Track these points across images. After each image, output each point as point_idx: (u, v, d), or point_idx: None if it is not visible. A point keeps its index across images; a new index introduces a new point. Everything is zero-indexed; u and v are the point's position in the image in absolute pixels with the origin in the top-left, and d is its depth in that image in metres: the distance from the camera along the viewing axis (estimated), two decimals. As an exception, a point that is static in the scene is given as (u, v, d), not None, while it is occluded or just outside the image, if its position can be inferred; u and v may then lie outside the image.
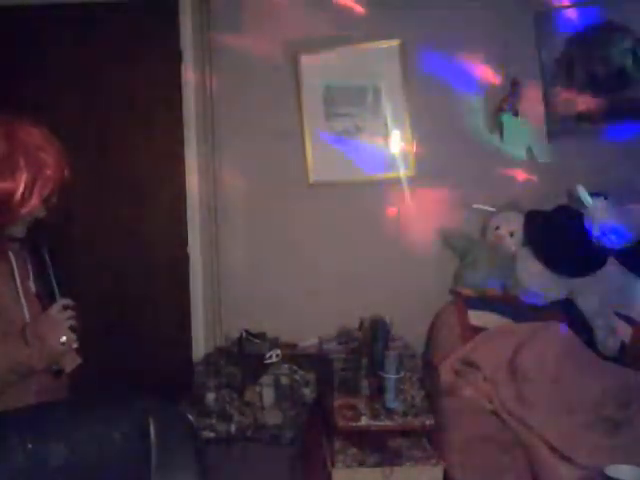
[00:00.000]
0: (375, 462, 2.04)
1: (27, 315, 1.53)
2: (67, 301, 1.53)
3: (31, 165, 1.46)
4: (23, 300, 1.54)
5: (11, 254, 1.56)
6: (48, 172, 1.48)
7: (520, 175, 2.94)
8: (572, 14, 2.84)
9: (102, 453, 1.13)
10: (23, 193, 1.45)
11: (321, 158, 3.00)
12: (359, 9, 2.93)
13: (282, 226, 3.06)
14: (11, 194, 1.44)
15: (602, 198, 2.67)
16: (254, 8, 2.99)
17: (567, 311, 2.70)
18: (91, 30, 3.03)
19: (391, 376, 2.18)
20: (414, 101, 2.94)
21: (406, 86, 2.94)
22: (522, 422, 2.23)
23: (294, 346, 2.87)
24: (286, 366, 2.59)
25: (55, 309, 1.52)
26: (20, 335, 1.46)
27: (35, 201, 1.48)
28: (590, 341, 2.61)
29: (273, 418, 2.35)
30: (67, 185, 1.55)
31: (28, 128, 1.49)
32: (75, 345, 1.51)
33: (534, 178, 2.93)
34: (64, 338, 1.49)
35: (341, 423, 2.12)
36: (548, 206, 2.81)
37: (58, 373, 1.56)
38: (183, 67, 3.03)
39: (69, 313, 1.52)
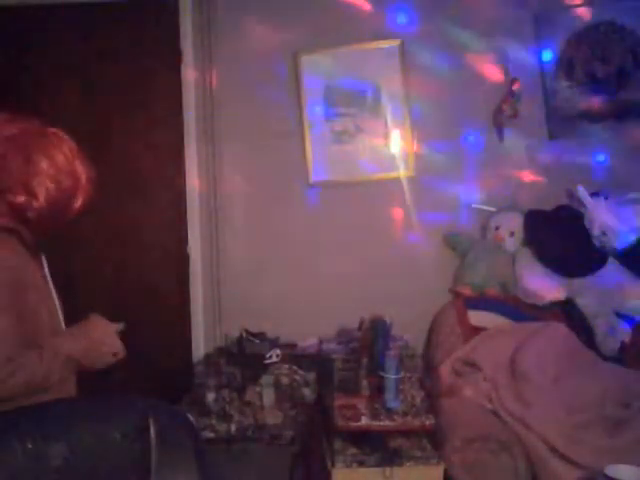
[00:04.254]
0: (375, 462, 2.03)
1: (61, 316, 1.56)
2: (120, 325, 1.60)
3: (81, 173, 1.55)
4: (57, 300, 1.56)
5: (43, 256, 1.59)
6: (84, 180, 1.57)
7: (520, 175, 2.94)
8: (572, 14, 2.84)
9: (102, 453, 1.13)
10: (82, 196, 1.56)
11: (321, 158, 3.00)
12: (359, 9, 2.93)
13: (282, 226, 3.06)
14: (74, 196, 1.54)
15: (602, 198, 2.68)
16: (254, 8, 2.99)
17: (567, 311, 2.70)
18: (91, 30, 3.03)
19: (391, 376, 2.18)
20: (414, 101, 2.95)
21: (406, 86, 2.94)
22: (522, 422, 2.23)
23: (294, 346, 2.87)
24: (286, 366, 2.59)
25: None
26: (69, 332, 1.51)
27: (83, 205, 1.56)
28: (590, 341, 2.61)
29: (273, 418, 2.35)
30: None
31: (65, 137, 1.55)
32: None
33: (534, 178, 2.93)
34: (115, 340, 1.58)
35: (341, 423, 2.12)
36: (548, 206, 2.82)
37: None
38: (183, 67, 3.04)
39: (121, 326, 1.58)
